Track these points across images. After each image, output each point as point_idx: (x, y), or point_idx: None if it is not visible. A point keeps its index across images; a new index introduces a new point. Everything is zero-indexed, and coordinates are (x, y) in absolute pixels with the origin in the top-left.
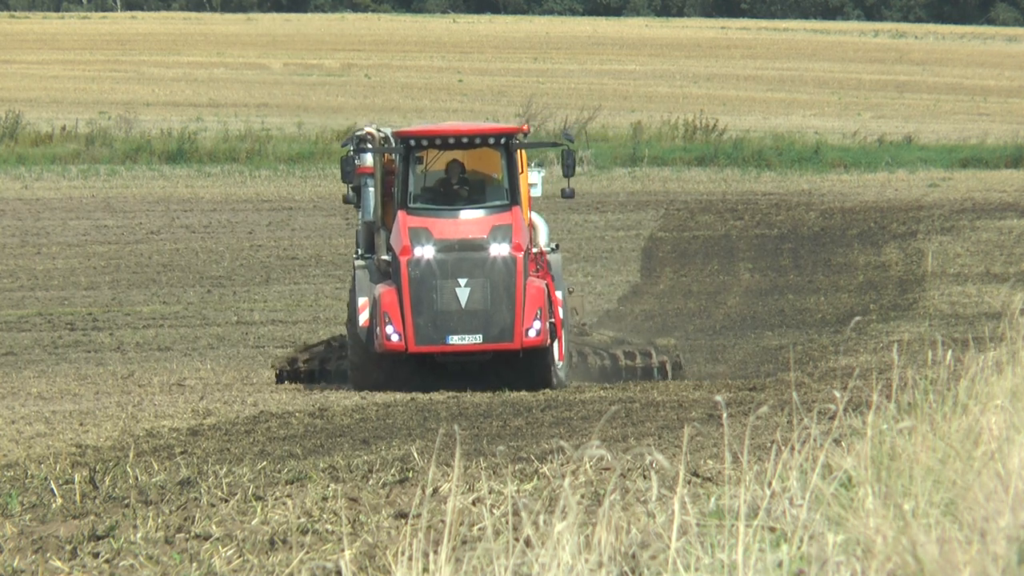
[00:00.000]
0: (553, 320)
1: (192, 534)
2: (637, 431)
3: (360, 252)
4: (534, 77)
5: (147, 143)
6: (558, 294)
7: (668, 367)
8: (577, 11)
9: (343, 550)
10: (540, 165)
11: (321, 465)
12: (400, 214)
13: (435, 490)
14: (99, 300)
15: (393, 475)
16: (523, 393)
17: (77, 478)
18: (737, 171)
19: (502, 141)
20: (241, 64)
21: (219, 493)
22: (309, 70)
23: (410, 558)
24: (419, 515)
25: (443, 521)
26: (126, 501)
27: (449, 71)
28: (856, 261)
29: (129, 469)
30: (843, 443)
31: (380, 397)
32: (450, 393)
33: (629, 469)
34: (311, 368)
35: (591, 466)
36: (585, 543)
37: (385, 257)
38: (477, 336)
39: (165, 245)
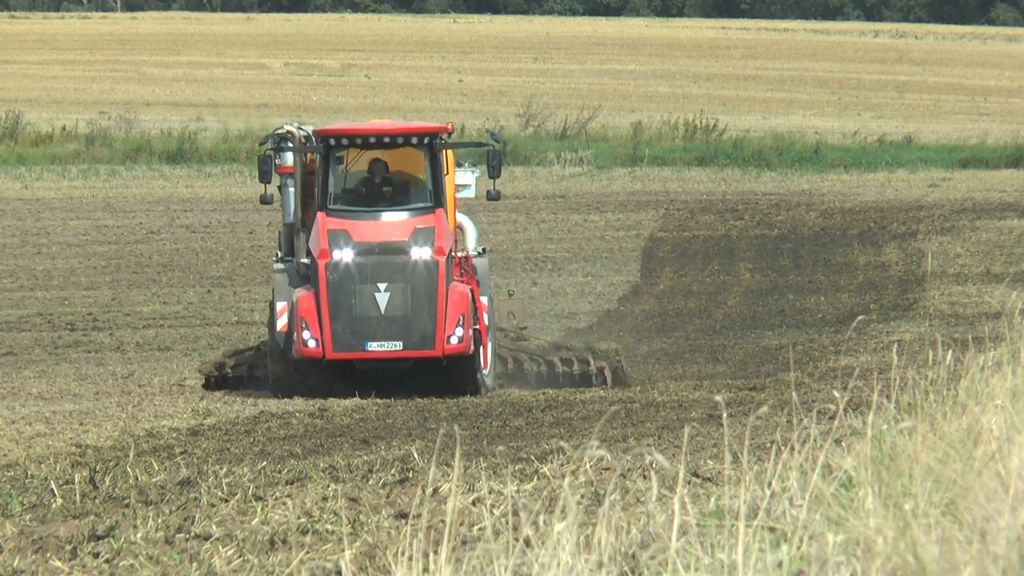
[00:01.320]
0: (477, 326)
1: (192, 534)
2: (637, 431)
3: (280, 255)
4: (534, 77)
5: (147, 143)
6: (483, 299)
7: (607, 373)
8: (577, 11)
9: (343, 550)
10: (475, 165)
11: (321, 465)
12: (319, 216)
13: (435, 490)
14: (99, 300)
15: (393, 475)
16: (523, 393)
17: (77, 478)
18: (737, 171)
19: (425, 141)
20: (241, 64)
21: (219, 493)
22: (309, 70)
23: (410, 558)
24: (419, 515)
25: (443, 521)
26: (126, 501)
27: (449, 71)
28: (856, 261)
29: (129, 469)
30: (843, 443)
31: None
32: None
33: (629, 469)
34: (239, 374)
35: (591, 466)
36: (585, 543)
37: (304, 260)
38: (397, 343)
39: (165, 245)
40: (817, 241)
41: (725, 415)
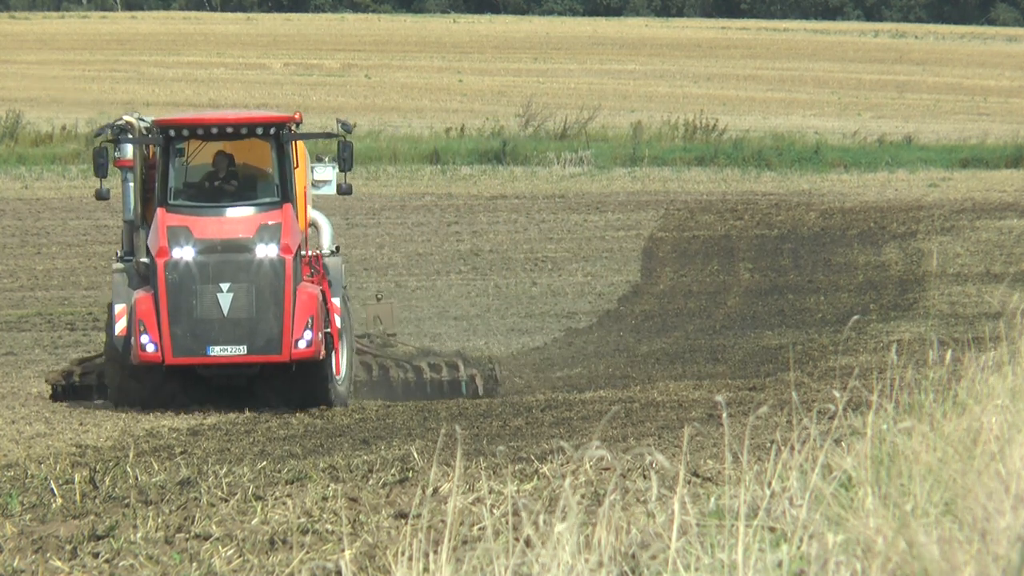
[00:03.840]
0: (329, 330)
1: (192, 534)
2: (637, 431)
3: (120, 254)
4: (534, 77)
5: None
6: (335, 301)
7: (478, 381)
8: (577, 11)
9: (343, 550)
10: (334, 159)
11: (321, 465)
12: (159, 212)
13: (435, 490)
14: (99, 300)
15: (393, 475)
16: (523, 393)
17: (77, 478)
18: (737, 171)
19: (271, 131)
20: (241, 64)
21: (219, 493)
22: (309, 70)
23: (410, 558)
24: (419, 515)
25: (443, 521)
26: (126, 501)
27: (449, 71)
28: (856, 261)
29: (129, 469)
30: (843, 443)
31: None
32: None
33: (629, 469)
34: (88, 383)
35: (591, 466)
36: (585, 543)
37: (144, 260)
38: (241, 347)
39: None
40: (817, 241)
41: (725, 415)
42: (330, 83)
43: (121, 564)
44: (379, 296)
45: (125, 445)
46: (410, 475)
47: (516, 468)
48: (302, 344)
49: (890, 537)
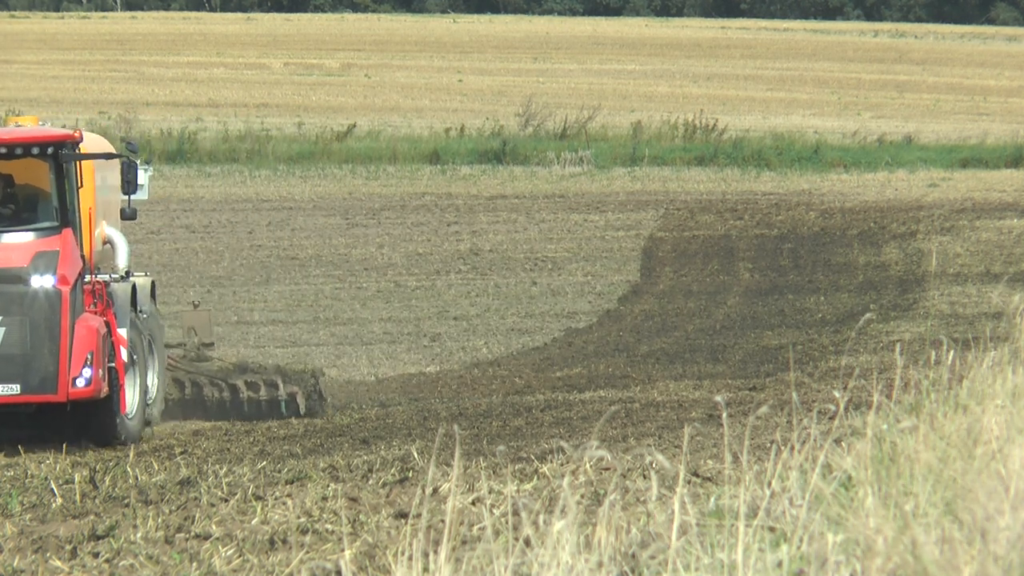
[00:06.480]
0: (114, 364)
1: (192, 534)
2: (637, 431)
3: None
4: (534, 77)
5: (147, 143)
6: (121, 332)
7: (300, 400)
8: (577, 11)
9: (343, 550)
10: (148, 162)
11: (321, 465)
12: None
13: (435, 490)
14: None
15: (393, 475)
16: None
17: (77, 478)
18: (737, 171)
19: (48, 151)
20: (241, 64)
21: (219, 493)
22: (309, 70)
23: (410, 558)
24: (419, 515)
25: (443, 521)
26: (126, 501)
27: (449, 71)
28: (856, 261)
29: (129, 469)
30: (843, 443)
31: None
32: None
33: (629, 469)
34: None
35: (591, 466)
36: (585, 543)
37: None
38: (14, 386)
39: (165, 245)
40: (817, 241)
41: (725, 415)
42: (330, 83)
43: (121, 564)
44: (195, 303)
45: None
46: (410, 475)
47: (516, 468)
48: (80, 383)
49: (890, 537)
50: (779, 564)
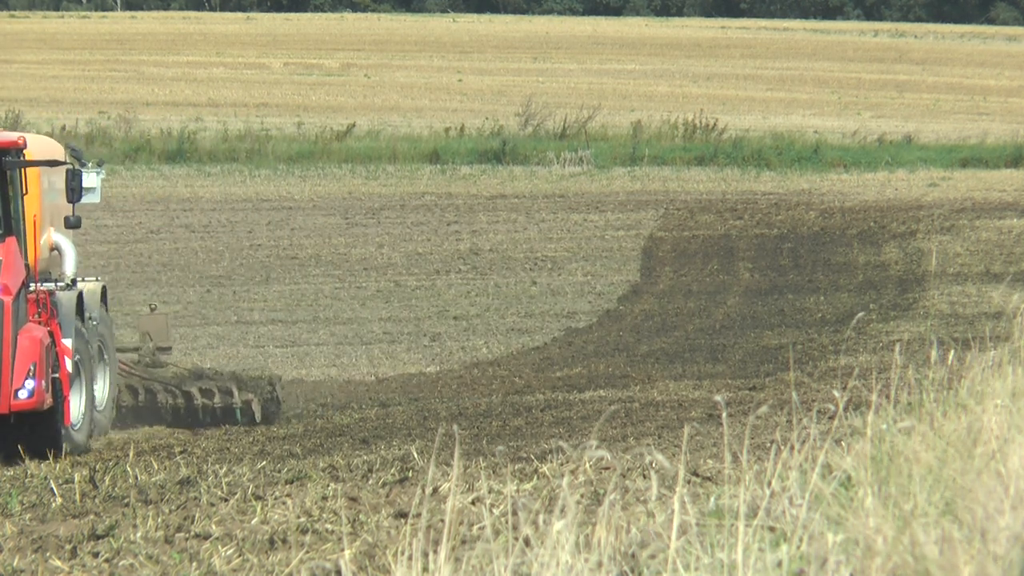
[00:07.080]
0: (58, 375)
1: (192, 534)
2: (637, 431)
3: None
4: (534, 77)
5: (147, 143)
6: (66, 342)
7: (255, 407)
8: (577, 11)
9: (343, 550)
10: (100, 164)
11: (321, 465)
12: None
13: (435, 490)
14: None
15: (393, 475)
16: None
17: (77, 478)
18: (737, 171)
19: None
20: (241, 64)
21: (219, 492)
22: (309, 70)
23: (410, 558)
24: (419, 515)
25: (443, 521)
26: (126, 501)
27: (449, 71)
28: (856, 261)
29: (129, 469)
30: (843, 443)
31: None
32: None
33: (629, 469)
34: None
35: (591, 466)
36: (585, 543)
37: None
38: None
39: (165, 245)
40: (817, 241)
41: (725, 415)
42: (330, 83)
43: (121, 564)
44: (152, 307)
45: (125, 445)
46: (410, 475)
47: (515, 468)
48: (23, 394)
49: (890, 537)
50: (779, 564)
